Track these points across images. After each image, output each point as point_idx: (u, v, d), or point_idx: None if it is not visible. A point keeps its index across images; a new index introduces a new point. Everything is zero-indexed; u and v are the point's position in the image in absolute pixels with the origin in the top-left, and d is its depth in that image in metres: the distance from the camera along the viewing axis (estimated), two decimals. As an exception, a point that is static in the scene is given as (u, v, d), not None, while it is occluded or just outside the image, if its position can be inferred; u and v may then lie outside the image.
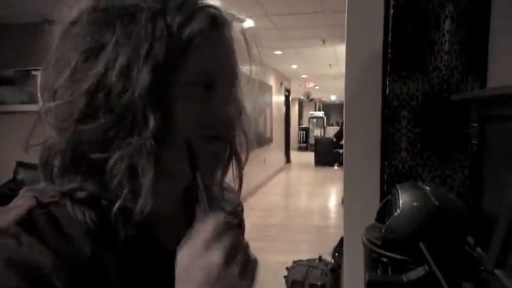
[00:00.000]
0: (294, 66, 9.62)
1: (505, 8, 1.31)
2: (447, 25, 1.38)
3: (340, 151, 9.86)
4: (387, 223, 1.01)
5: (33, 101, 4.03)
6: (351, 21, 1.55)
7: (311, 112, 18.09)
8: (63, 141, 0.48)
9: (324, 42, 6.25)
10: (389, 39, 1.42)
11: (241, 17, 0.57)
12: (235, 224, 0.66)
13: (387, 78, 1.43)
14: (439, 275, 0.85)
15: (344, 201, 1.69)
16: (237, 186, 0.62)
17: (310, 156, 12.53)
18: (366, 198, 1.51)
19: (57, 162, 0.49)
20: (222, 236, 0.44)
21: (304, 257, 3.17)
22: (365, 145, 1.53)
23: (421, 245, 0.91)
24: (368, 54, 1.51)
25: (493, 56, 1.35)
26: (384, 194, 1.44)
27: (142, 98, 0.46)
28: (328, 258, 3.11)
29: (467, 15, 1.37)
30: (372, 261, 1.02)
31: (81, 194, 0.48)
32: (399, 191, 1.04)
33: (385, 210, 1.14)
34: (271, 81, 9.45)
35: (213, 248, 0.44)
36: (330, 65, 8.87)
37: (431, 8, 1.38)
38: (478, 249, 1.01)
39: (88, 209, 0.48)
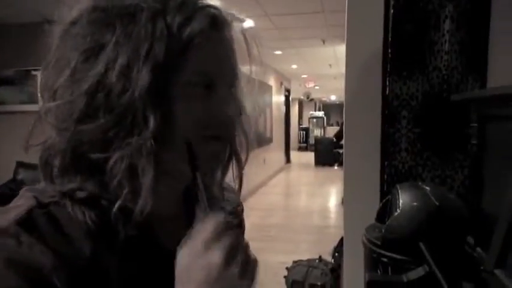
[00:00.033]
0: (294, 66, 9.62)
1: (505, 8, 1.31)
2: (447, 25, 1.38)
3: (340, 151, 9.86)
4: (387, 223, 1.00)
5: (33, 101, 4.03)
6: (351, 21, 1.55)
7: (311, 112, 18.09)
8: (63, 141, 0.48)
9: (324, 42, 6.25)
10: (389, 39, 1.41)
11: (241, 17, 0.57)
12: (235, 223, 0.66)
13: (387, 78, 1.43)
14: (439, 275, 0.85)
15: (344, 201, 1.69)
16: (237, 186, 0.62)
17: (310, 156, 12.53)
18: (365, 198, 1.51)
19: (57, 162, 0.49)
20: (222, 236, 0.44)
21: (304, 257, 3.17)
22: (365, 145, 1.53)
23: (421, 245, 0.91)
24: (368, 54, 1.51)
25: (493, 56, 1.35)
26: (383, 194, 1.44)
27: (142, 98, 0.46)
28: (328, 258, 3.11)
29: (467, 15, 1.37)
30: (372, 261, 1.02)
31: (81, 194, 0.48)
32: (399, 191, 1.04)
33: (385, 210, 1.14)
34: (271, 81, 9.45)
35: (213, 248, 0.44)
36: (330, 65, 8.87)
37: (431, 8, 1.38)
38: (478, 249, 1.01)
39: (88, 209, 0.48)
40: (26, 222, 0.45)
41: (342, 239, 2.64)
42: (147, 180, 0.47)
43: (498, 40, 1.33)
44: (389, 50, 1.42)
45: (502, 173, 1.02)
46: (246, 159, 0.59)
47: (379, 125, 1.48)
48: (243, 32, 0.56)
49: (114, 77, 0.46)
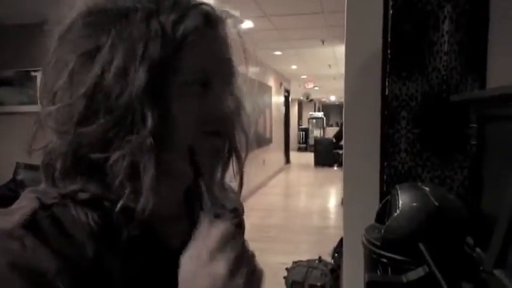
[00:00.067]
0: (294, 67, 9.62)
1: (504, 9, 1.31)
2: (446, 25, 1.38)
3: (340, 152, 9.86)
4: (387, 224, 1.00)
5: (32, 101, 4.02)
6: (350, 21, 1.55)
7: (310, 113, 18.09)
8: (64, 145, 0.48)
9: (323, 42, 6.26)
10: (389, 39, 1.42)
11: (236, 14, 0.57)
12: (235, 223, 0.66)
13: (386, 79, 1.43)
14: (438, 275, 0.85)
15: (344, 202, 1.69)
16: (237, 184, 0.62)
17: (309, 157, 12.53)
18: (365, 198, 1.52)
19: (58, 165, 0.49)
20: (227, 245, 0.44)
21: (304, 257, 3.18)
22: (364, 146, 1.53)
23: (421, 245, 0.91)
24: (367, 54, 1.51)
25: (492, 56, 1.35)
26: (383, 194, 1.44)
27: (139, 98, 0.46)
28: (328, 258, 3.11)
29: (466, 16, 1.37)
30: (372, 262, 1.02)
31: (83, 196, 0.48)
32: (399, 192, 1.04)
33: (384, 211, 1.14)
34: (271, 82, 9.45)
35: (218, 258, 0.44)
36: (330, 66, 8.87)
37: (430, 8, 1.38)
38: (478, 249, 1.01)
39: (91, 210, 0.48)
40: (30, 225, 0.45)
41: (341, 240, 2.65)
42: (148, 178, 0.47)
43: (497, 40, 1.33)
44: (389, 51, 1.42)
45: (501, 174, 1.02)
46: (246, 155, 0.59)
47: (378, 126, 1.48)
48: (238, 31, 0.56)
49: (111, 79, 0.46)
